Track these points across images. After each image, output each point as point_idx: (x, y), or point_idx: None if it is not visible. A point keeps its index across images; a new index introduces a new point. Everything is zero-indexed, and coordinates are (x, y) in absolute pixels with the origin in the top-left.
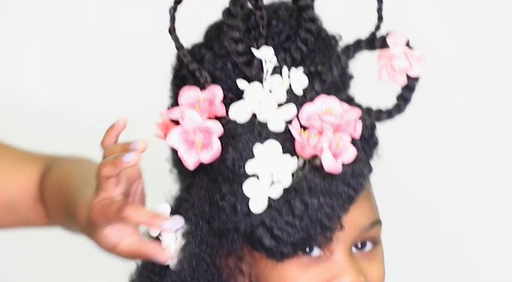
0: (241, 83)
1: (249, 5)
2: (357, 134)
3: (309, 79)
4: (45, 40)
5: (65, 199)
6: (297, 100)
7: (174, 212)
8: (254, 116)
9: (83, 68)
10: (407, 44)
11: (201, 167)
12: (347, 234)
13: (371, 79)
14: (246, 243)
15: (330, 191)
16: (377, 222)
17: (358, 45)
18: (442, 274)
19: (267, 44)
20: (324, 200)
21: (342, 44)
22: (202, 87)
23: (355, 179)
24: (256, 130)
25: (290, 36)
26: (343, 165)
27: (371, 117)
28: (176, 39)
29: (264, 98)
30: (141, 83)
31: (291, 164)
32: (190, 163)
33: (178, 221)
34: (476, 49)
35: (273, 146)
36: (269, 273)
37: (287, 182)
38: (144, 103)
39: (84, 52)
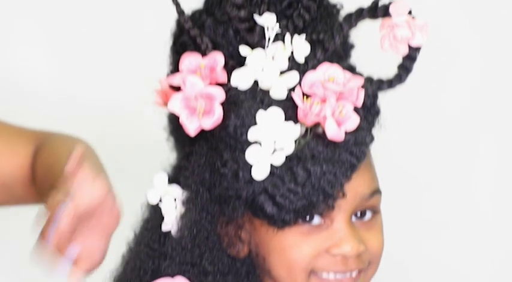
0: (243, 50)
1: None
2: (359, 103)
3: (311, 47)
4: (46, 21)
5: (53, 183)
6: (299, 68)
7: (173, 180)
8: (256, 83)
9: (84, 48)
10: (410, 13)
11: (201, 134)
12: (348, 203)
13: (372, 48)
14: (246, 210)
15: (332, 158)
16: (377, 191)
17: (360, 14)
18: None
19: (269, 10)
20: (327, 167)
21: (343, 12)
22: (203, 54)
23: (357, 147)
24: (259, 97)
25: (292, 3)
26: (346, 133)
27: (372, 86)
28: (177, 5)
29: (267, 65)
30: (142, 66)
31: (294, 131)
32: (192, 129)
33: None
34: (479, 19)
35: (275, 113)
36: (269, 241)
37: (289, 149)
38: (145, 86)
39: (84, 33)
